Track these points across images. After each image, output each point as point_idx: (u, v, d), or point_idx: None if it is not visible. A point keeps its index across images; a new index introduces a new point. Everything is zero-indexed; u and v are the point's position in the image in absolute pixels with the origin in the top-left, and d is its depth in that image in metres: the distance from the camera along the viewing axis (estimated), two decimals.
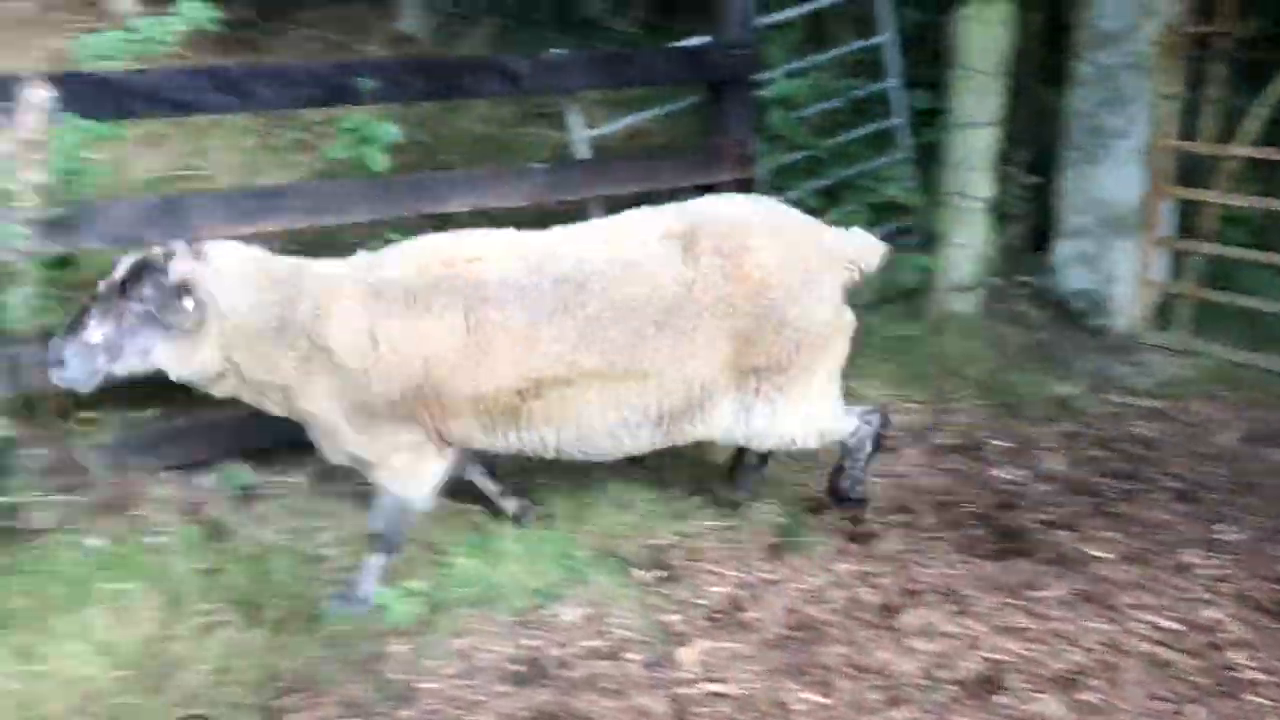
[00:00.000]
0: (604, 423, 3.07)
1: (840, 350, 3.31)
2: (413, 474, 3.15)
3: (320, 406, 3.02)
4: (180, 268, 2.89)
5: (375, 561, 3.17)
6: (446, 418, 3.03)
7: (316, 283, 3.01)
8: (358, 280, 3.00)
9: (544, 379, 2.95)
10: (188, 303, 2.87)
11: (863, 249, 3.35)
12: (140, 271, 2.87)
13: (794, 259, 3.13)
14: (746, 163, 4.87)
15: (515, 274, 2.95)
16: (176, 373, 3.02)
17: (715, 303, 3.03)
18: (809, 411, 3.27)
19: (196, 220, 3.54)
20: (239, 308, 2.93)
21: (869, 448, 3.46)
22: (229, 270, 2.95)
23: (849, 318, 3.32)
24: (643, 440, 3.19)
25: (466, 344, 2.91)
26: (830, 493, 3.57)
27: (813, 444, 3.39)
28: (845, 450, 3.46)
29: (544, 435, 3.10)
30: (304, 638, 3.03)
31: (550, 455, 3.21)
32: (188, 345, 2.94)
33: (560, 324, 2.91)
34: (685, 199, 3.36)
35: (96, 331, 2.91)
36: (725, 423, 3.23)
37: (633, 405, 3.05)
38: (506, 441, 3.14)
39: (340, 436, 3.09)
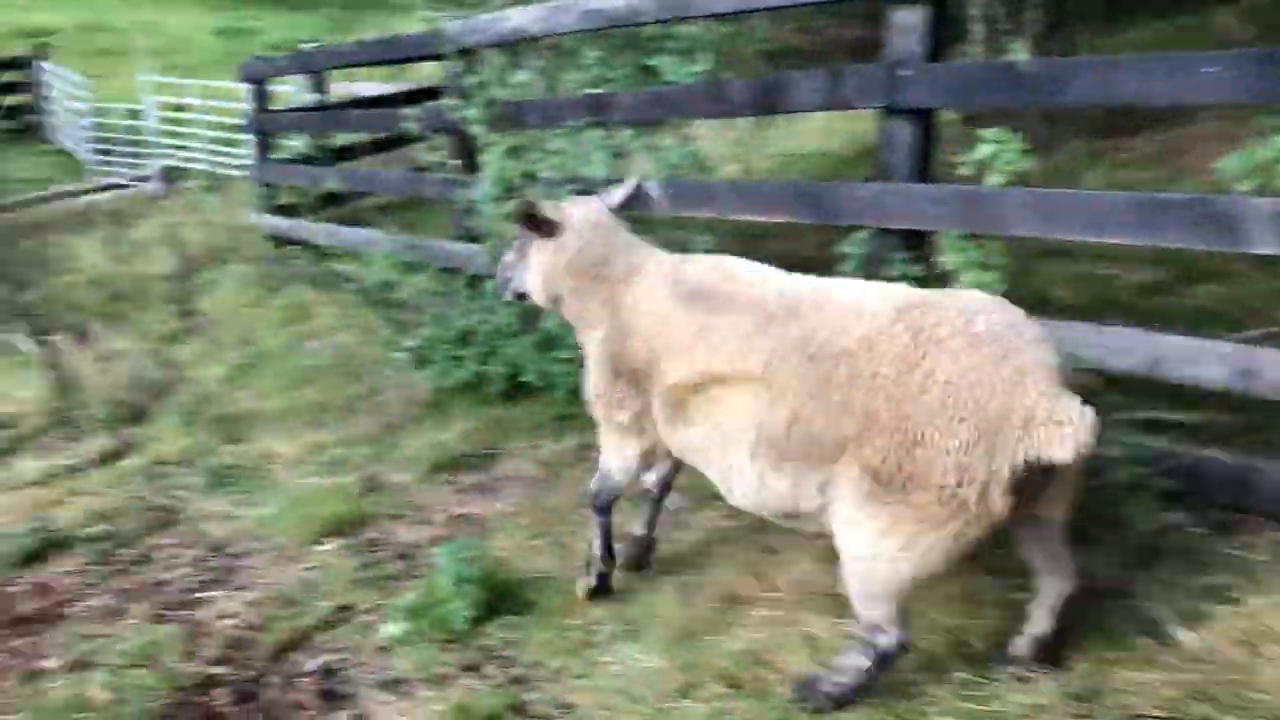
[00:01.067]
0: (731, 439, 3.04)
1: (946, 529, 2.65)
2: (618, 447, 3.54)
3: (595, 349, 3.54)
4: (544, 212, 3.59)
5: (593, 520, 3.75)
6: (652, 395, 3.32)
7: (637, 256, 3.54)
8: (665, 267, 3.43)
9: (712, 377, 3.07)
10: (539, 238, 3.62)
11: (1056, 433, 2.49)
12: (521, 213, 3.60)
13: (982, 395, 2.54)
14: None
15: (763, 297, 3.07)
16: (534, 295, 3.76)
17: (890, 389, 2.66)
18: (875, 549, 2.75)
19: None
20: (573, 249, 3.55)
21: (862, 669, 2.97)
22: (577, 220, 3.59)
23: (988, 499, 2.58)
24: (749, 481, 3.04)
25: (692, 339, 3.14)
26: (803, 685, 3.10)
27: (850, 587, 2.92)
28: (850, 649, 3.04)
29: (689, 435, 3.21)
30: None
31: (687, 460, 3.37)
32: (539, 274, 3.65)
33: (760, 342, 2.96)
34: None
35: (506, 258, 3.87)
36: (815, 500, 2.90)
37: (768, 434, 2.92)
38: (670, 438, 3.33)
39: (590, 381, 3.57)
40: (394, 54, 7.38)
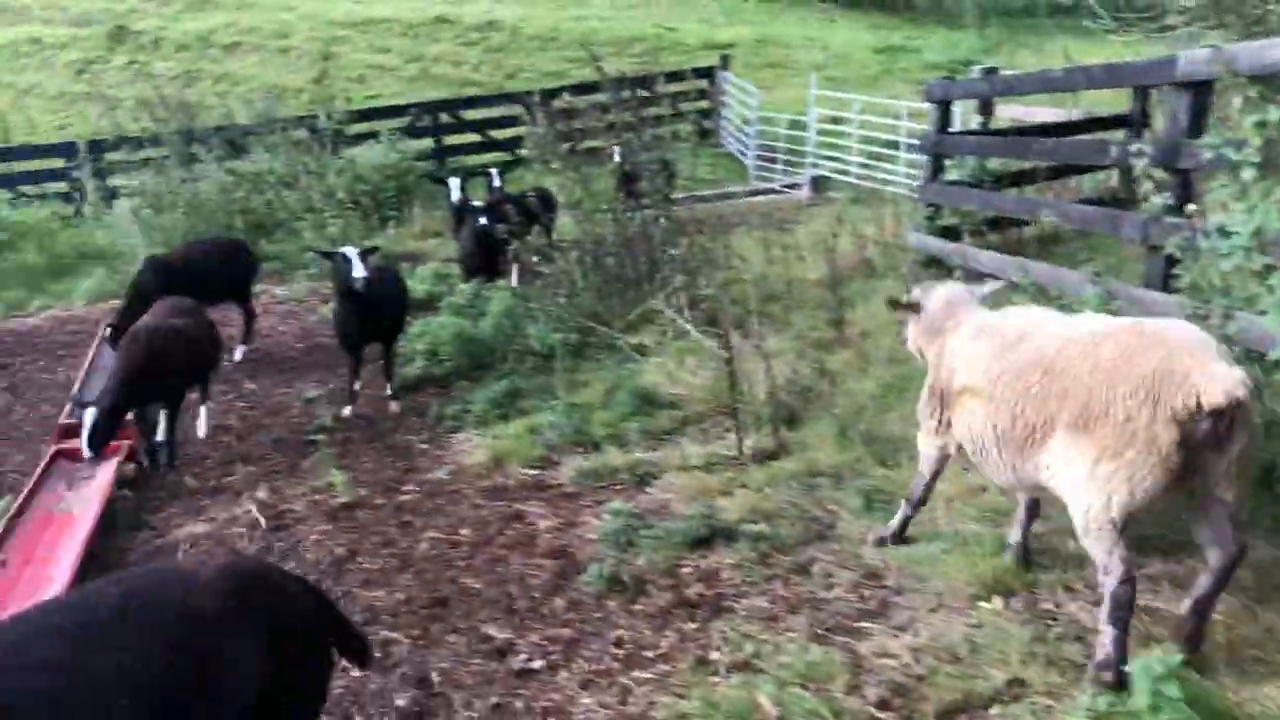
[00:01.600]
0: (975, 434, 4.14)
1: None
2: (925, 443, 4.65)
3: (928, 378, 4.60)
4: (905, 300, 4.90)
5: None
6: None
7: (967, 315, 4.50)
8: (978, 319, 4.42)
9: (967, 390, 4.19)
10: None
11: None
12: (891, 302, 5.01)
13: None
14: None
15: (1011, 331, 4.11)
16: (910, 348, 4.98)
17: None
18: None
19: None
20: (926, 318, 4.73)
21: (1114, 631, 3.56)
22: (932, 300, 4.73)
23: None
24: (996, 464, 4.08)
25: (964, 364, 4.26)
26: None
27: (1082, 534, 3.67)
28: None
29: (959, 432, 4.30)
30: None
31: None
32: (910, 335, 4.89)
33: (993, 365, 4.05)
34: None
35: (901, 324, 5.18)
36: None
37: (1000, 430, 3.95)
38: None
39: (921, 398, 4.62)
40: (1114, 81, 6.82)
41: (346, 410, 7.69)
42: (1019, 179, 8.82)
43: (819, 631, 4.13)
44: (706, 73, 20.36)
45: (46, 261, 13.90)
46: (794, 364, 7.21)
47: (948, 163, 9.26)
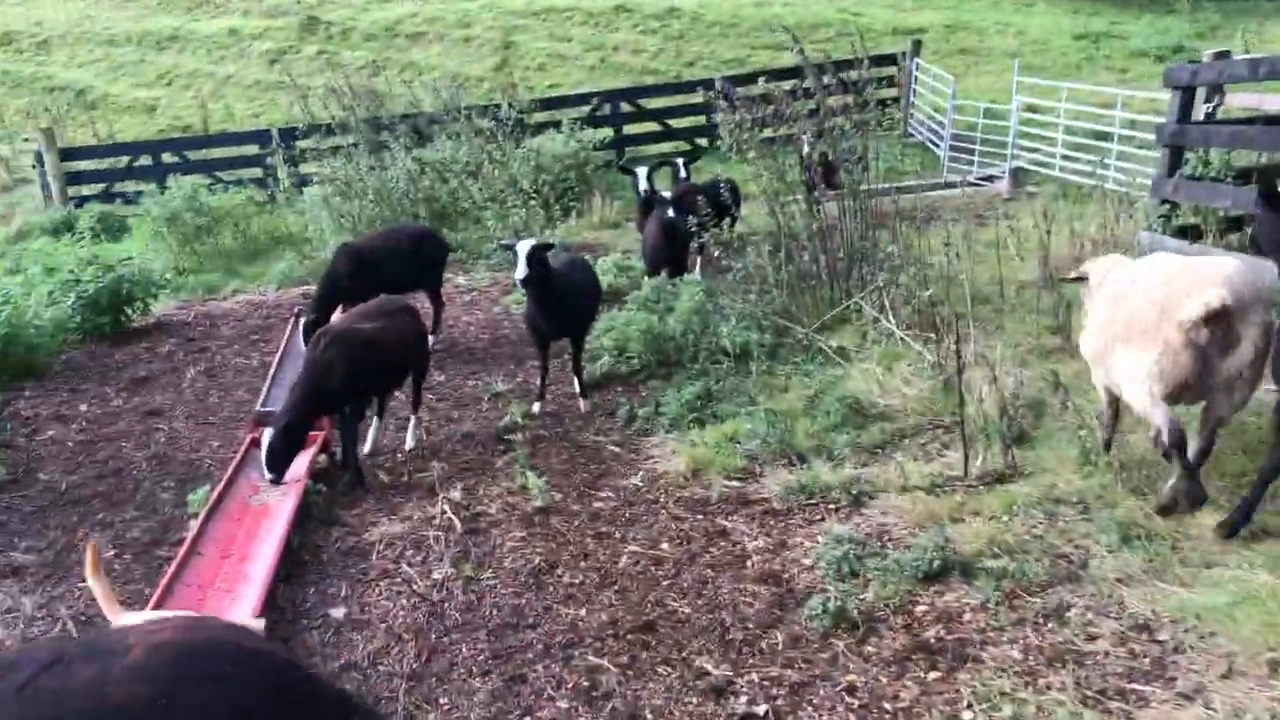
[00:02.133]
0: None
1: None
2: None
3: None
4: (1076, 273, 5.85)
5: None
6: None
7: (1113, 273, 5.27)
8: (1113, 273, 5.27)
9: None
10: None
11: None
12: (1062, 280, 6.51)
13: None
14: None
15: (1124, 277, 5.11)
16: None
17: None
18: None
19: None
20: (1091, 283, 5.47)
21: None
22: (1094, 269, 5.53)
23: None
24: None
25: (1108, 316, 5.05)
26: None
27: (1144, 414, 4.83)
28: None
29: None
30: None
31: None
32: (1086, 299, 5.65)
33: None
34: None
35: None
36: None
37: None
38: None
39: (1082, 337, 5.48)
40: None
41: (535, 407, 7.44)
42: (1245, 175, 7.89)
43: (1087, 694, 3.56)
44: (890, 59, 19.48)
45: (241, 245, 14.31)
46: (1018, 374, 6.56)
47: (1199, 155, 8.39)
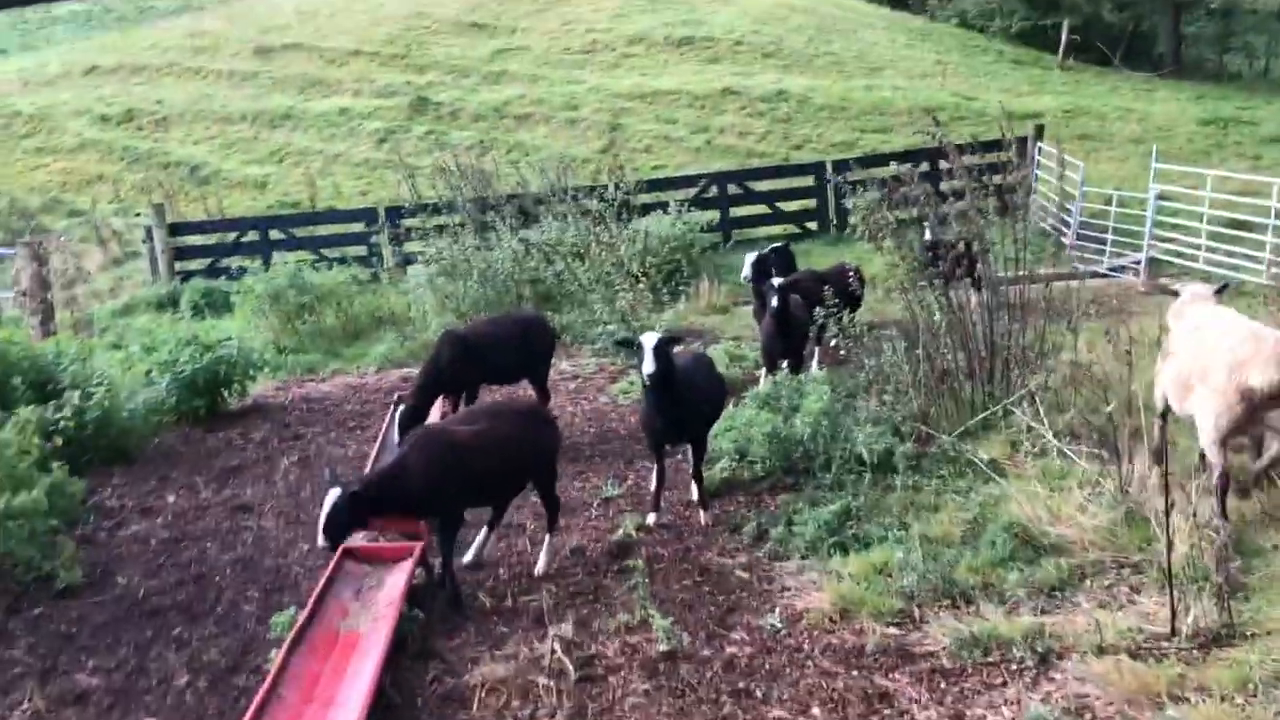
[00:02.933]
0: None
1: None
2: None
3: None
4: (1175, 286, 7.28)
5: None
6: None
7: (1195, 303, 6.50)
8: (1198, 309, 6.42)
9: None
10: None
11: None
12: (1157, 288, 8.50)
13: None
14: None
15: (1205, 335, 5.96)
16: None
17: None
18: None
19: None
20: (1180, 300, 6.75)
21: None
22: (1187, 291, 6.81)
23: None
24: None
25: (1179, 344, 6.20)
26: None
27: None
28: None
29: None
30: None
31: None
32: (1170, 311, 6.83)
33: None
34: None
35: None
36: None
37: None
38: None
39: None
40: None
41: (651, 518, 6.73)
42: None
43: None
44: (1006, 145, 18.68)
45: (343, 324, 14.02)
46: (1213, 505, 5.66)
47: None
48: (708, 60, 27.73)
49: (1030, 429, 7.31)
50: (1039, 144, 18.78)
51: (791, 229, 18.33)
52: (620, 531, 6.46)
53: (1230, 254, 13.80)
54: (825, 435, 7.46)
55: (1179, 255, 14.55)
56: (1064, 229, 16.98)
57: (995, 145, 18.15)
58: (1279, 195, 13.30)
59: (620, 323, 11.87)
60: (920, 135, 22.91)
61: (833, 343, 8.51)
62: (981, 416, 7.80)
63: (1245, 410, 5.48)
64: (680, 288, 14.34)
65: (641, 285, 12.79)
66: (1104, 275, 14.98)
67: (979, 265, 8.55)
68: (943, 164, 9.08)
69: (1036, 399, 7.60)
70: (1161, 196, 14.95)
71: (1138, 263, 14.71)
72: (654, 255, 15.00)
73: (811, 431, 7.44)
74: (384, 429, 8.73)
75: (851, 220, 8.74)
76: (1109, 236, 15.88)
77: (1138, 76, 29.50)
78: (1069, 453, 6.69)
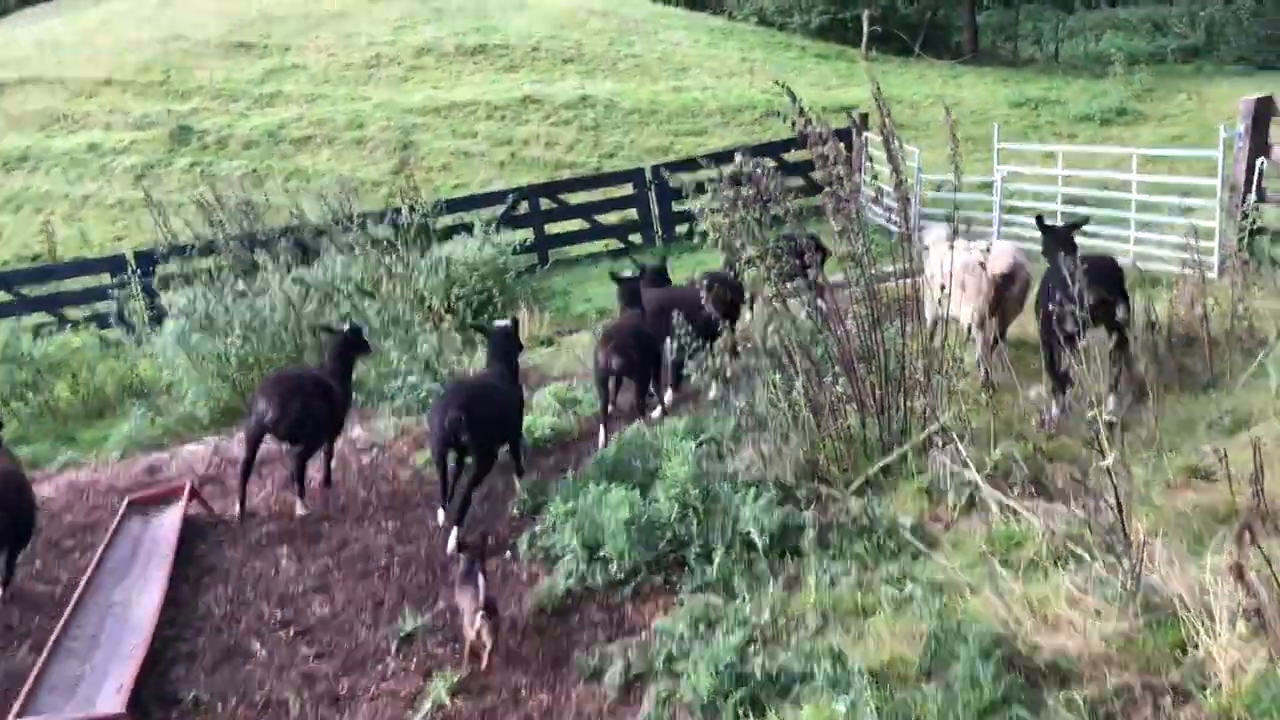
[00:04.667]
0: None
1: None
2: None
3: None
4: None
5: None
6: None
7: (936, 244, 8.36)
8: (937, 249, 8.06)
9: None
10: None
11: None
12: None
13: None
14: None
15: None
16: None
17: None
18: None
19: None
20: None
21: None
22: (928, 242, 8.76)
23: None
24: None
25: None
26: None
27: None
28: None
29: None
30: None
31: None
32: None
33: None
34: None
35: None
36: None
37: None
38: None
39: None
40: None
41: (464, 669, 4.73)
42: None
43: None
44: (846, 135, 17.49)
45: (83, 400, 11.37)
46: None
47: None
48: (504, 68, 25.76)
49: (953, 474, 5.69)
50: (866, 134, 17.66)
51: (614, 243, 16.58)
52: (426, 708, 4.40)
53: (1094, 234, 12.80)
54: (698, 511, 5.62)
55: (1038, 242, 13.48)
56: (897, 223, 15.80)
57: (815, 140, 16.92)
58: (1139, 166, 12.37)
59: (424, 371, 9.77)
60: (740, 134, 21.81)
61: (691, 379, 6.72)
62: (883, 463, 6.12)
63: (993, 296, 7.36)
64: (494, 321, 12.29)
65: (446, 324, 10.71)
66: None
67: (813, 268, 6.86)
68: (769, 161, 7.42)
69: (951, 432, 5.99)
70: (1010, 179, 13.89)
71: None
72: (461, 285, 12.95)
73: (680, 509, 5.58)
74: (104, 545, 6.49)
75: (700, 227, 6.94)
76: (955, 226, 14.72)
77: (941, 64, 29.24)
78: (1020, 509, 5.06)
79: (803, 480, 6.05)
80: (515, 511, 6.80)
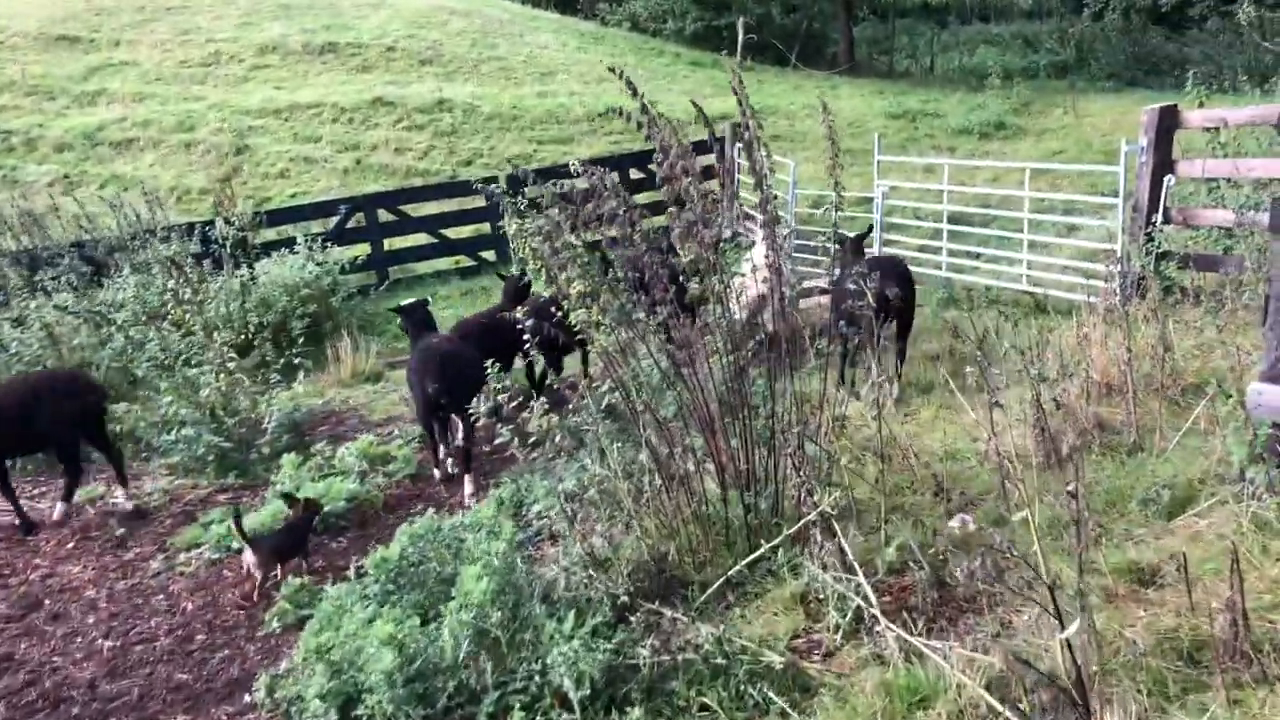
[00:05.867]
0: None
1: None
2: None
3: None
4: None
5: None
6: None
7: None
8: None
9: None
10: None
11: None
12: None
13: None
14: None
15: None
16: None
17: None
18: None
19: None
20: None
21: None
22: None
23: None
24: None
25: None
26: None
27: None
28: None
29: None
30: None
31: None
32: None
33: None
34: None
35: None
36: None
37: None
38: None
39: None
40: None
41: None
42: None
43: None
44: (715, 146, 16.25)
45: None
46: None
47: None
48: (356, 69, 23.88)
49: (835, 578, 4.34)
50: (738, 145, 16.44)
51: (463, 260, 15.00)
52: None
53: (969, 255, 11.79)
54: (500, 645, 4.13)
55: (917, 261, 12.41)
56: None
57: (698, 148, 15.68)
58: (1030, 181, 11.40)
59: (208, 420, 8.05)
60: (607, 144, 20.43)
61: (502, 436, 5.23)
62: (750, 560, 4.74)
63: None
64: (307, 354, 10.61)
65: (245, 360, 8.98)
66: (828, 291, 12.61)
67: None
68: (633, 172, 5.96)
69: (831, 520, 4.64)
70: (888, 195, 12.81)
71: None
72: (276, 310, 11.19)
73: (473, 644, 4.08)
74: None
75: (513, 248, 5.50)
76: (822, 245, 13.60)
77: (818, 75, 28.44)
78: (926, 649, 3.72)
79: (641, 592, 4.61)
80: (274, 625, 5.22)
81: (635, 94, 5.21)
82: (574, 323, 5.06)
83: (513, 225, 5.29)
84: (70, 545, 6.66)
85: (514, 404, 4.99)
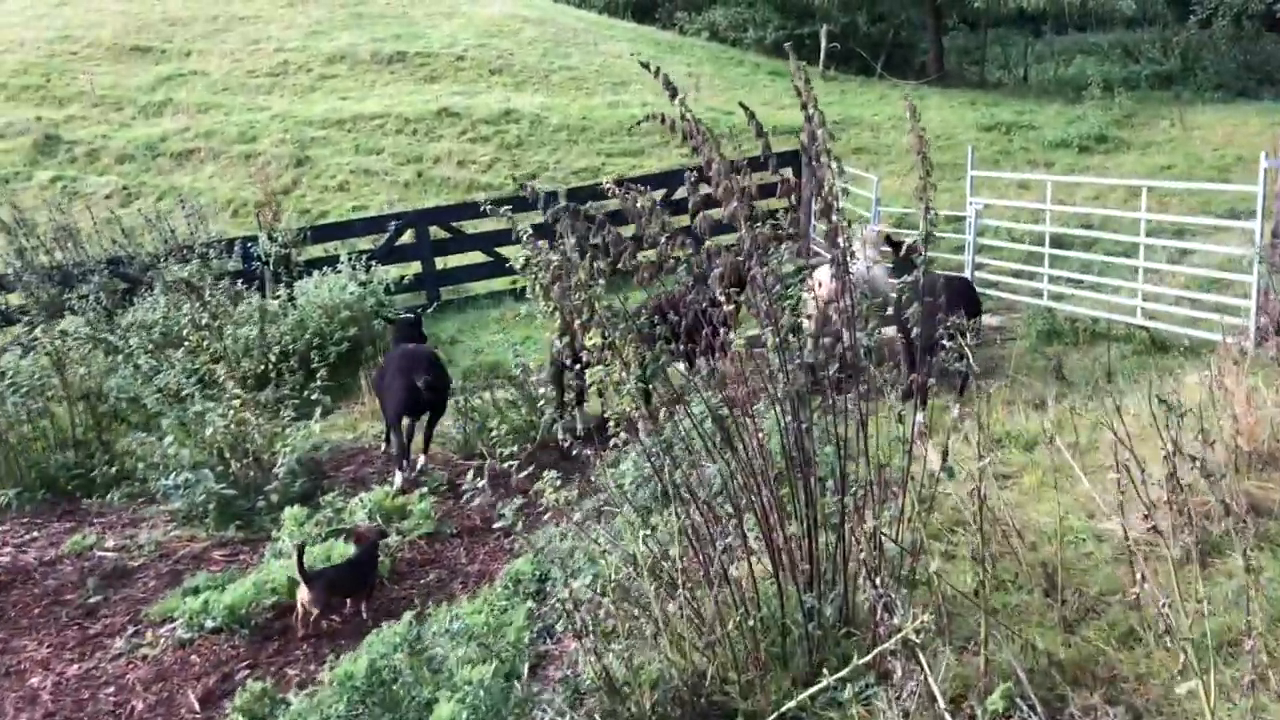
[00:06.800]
0: None
1: None
2: None
3: None
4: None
5: None
6: None
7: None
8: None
9: None
10: None
11: None
12: None
13: None
14: None
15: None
16: None
17: None
18: None
19: None
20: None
21: None
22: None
23: None
24: None
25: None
26: None
27: None
28: None
29: None
30: None
31: None
32: None
33: None
34: None
35: None
36: None
37: None
38: None
39: None
40: None
41: None
42: None
43: None
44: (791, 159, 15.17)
45: None
46: None
47: None
48: (424, 79, 23.26)
49: None
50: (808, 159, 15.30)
51: (521, 281, 14.10)
52: None
53: (1091, 284, 10.53)
54: None
55: (995, 284, 11.18)
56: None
57: (758, 165, 14.62)
58: (1124, 202, 10.12)
59: (218, 462, 7.25)
60: (680, 154, 19.48)
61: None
62: (812, 692, 3.67)
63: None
64: (344, 380, 9.79)
65: (266, 393, 8.17)
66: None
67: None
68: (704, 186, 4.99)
69: (915, 645, 3.55)
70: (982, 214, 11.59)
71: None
72: (313, 334, 10.40)
73: None
74: None
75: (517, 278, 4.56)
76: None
77: (905, 85, 27.10)
78: None
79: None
80: None
81: (674, 96, 4.20)
82: (591, 382, 4.07)
83: (522, 256, 4.33)
84: (37, 611, 5.86)
85: (524, 474, 4.03)
